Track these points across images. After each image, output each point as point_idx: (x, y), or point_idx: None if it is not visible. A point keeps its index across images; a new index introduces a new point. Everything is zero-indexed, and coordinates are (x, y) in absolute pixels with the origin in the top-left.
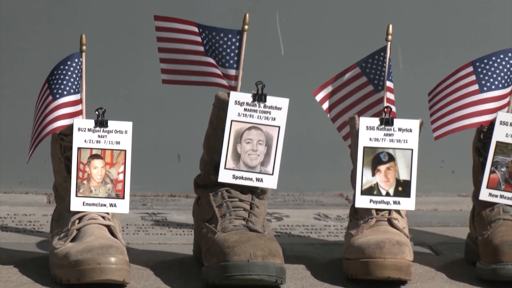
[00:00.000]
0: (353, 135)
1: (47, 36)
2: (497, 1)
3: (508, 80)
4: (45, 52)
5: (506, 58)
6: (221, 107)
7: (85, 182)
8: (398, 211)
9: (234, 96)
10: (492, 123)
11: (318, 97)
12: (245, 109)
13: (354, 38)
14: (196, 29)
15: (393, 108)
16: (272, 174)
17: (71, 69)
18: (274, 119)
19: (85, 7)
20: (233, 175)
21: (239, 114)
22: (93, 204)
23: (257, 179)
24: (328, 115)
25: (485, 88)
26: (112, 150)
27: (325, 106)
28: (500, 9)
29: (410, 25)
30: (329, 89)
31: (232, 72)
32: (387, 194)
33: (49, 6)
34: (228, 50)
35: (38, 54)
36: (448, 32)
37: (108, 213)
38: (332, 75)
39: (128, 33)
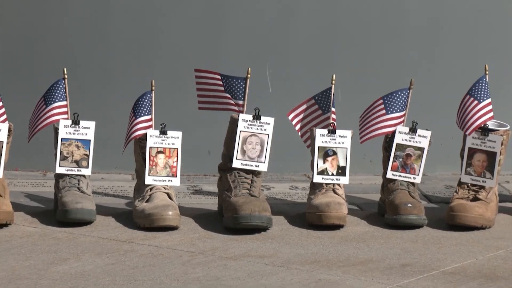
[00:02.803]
0: (312, 139)
1: (130, 75)
2: (402, 54)
3: (403, 107)
4: (130, 85)
5: (402, 94)
6: (234, 123)
7: (154, 167)
8: (339, 184)
9: (242, 116)
10: (394, 132)
11: (290, 117)
12: (248, 124)
13: (313, 81)
14: (219, 77)
15: (335, 124)
16: (264, 162)
17: (146, 100)
18: (265, 130)
19: (153, 56)
20: (241, 163)
21: (244, 127)
22: (159, 180)
23: (255, 165)
24: (296, 128)
25: (389, 112)
26: (169, 148)
27: (294, 122)
28: (403, 60)
29: (345, 73)
30: (296, 111)
31: (240, 102)
32: (332, 174)
33: (130, 59)
34: (238, 89)
35: (126, 87)
36: (368, 78)
37: (167, 186)
38: (298, 104)
39: (178, 77)
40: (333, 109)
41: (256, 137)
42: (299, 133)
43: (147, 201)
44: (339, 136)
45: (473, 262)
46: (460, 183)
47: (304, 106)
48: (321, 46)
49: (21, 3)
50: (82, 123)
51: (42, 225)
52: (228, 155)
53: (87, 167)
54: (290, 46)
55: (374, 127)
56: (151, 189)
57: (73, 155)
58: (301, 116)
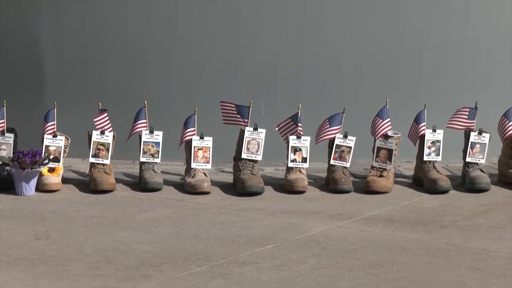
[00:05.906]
0: (287, 142)
1: (183, 104)
2: (338, 91)
3: (340, 123)
4: (183, 110)
5: (339, 115)
6: (242, 132)
7: (196, 157)
8: (303, 168)
9: (247, 128)
10: (335, 137)
11: (277, 128)
12: (250, 133)
13: (287, 108)
14: (234, 105)
15: (302, 133)
16: (260, 155)
17: (192, 119)
18: (260, 136)
19: (196, 94)
20: (246, 155)
21: (248, 135)
22: (199, 165)
23: (255, 157)
24: (281, 135)
25: (332, 125)
26: (205, 146)
27: (280, 132)
28: (339, 94)
29: (306, 103)
30: (281, 125)
31: (246, 120)
32: (299, 162)
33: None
34: (245, 112)
35: (181, 111)
36: (319, 106)
37: (204, 169)
38: (281, 121)
39: (211, 106)
40: (300, 124)
41: (255, 140)
42: (282, 138)
43: (192, 177)
44: (303, 140)
45: (380, 212)
46: (372, 167)
47: (285, 123)
48: (292, 87)
49: (121, 61)
50: (155, 132)
51: (132, 191)
52: (238, 151)
53: (158, 158)
54: (275, 88)
55: (323, 134)
56: (194, 170)
57: (150, 151)
58: (283, 128)
